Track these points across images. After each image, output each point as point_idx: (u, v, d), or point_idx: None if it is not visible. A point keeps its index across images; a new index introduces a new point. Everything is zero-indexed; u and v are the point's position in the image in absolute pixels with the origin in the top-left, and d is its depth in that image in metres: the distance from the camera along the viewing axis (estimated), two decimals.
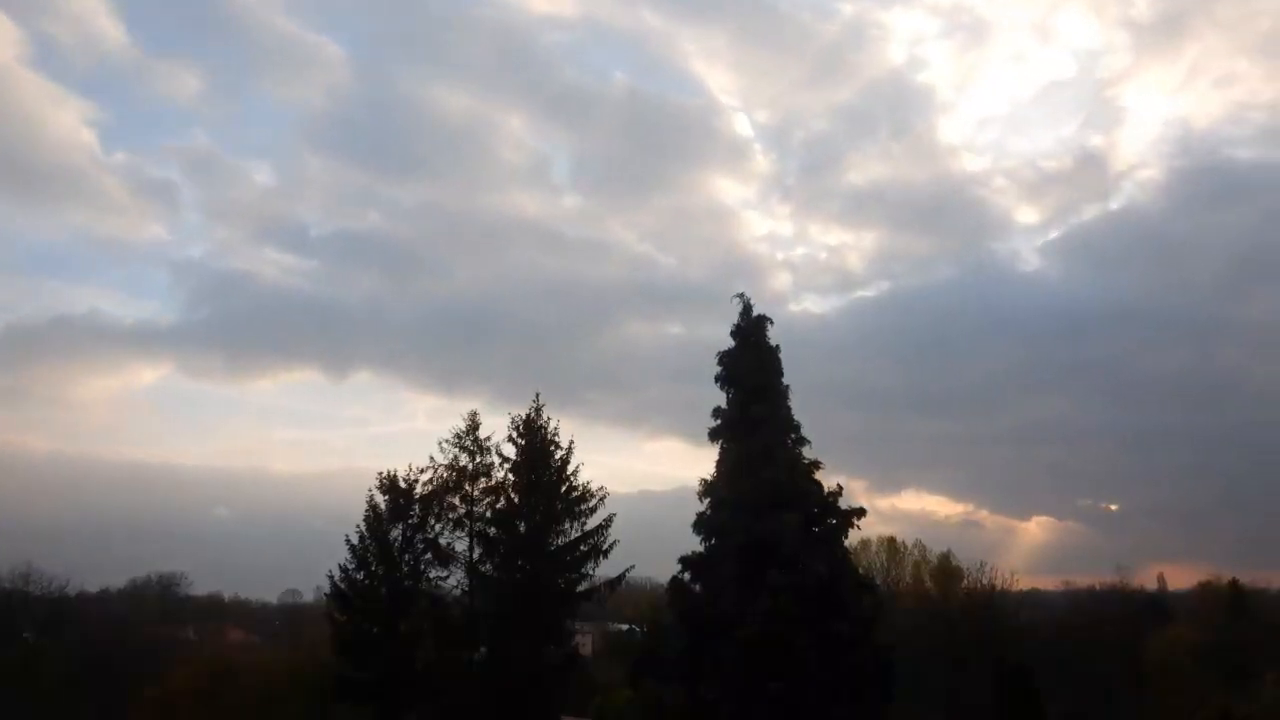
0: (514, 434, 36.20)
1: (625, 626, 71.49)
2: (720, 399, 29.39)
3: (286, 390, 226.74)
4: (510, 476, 35.93)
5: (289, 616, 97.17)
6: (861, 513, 27.86)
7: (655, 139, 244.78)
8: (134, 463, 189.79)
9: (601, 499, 35.49)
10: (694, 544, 28.49)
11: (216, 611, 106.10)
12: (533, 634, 34.08)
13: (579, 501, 35.34)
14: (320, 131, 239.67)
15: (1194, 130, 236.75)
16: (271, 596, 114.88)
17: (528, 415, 36.46)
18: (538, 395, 36.74)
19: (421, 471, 35.93)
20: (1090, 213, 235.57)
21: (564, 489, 35.50)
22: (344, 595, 35.35)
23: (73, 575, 71.75)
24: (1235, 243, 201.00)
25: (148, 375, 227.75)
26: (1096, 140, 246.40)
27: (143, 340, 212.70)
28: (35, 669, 53.73)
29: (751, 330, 29.47)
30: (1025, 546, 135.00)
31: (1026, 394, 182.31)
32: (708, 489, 28.51)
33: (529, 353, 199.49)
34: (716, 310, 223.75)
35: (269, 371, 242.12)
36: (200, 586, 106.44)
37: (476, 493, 35.83)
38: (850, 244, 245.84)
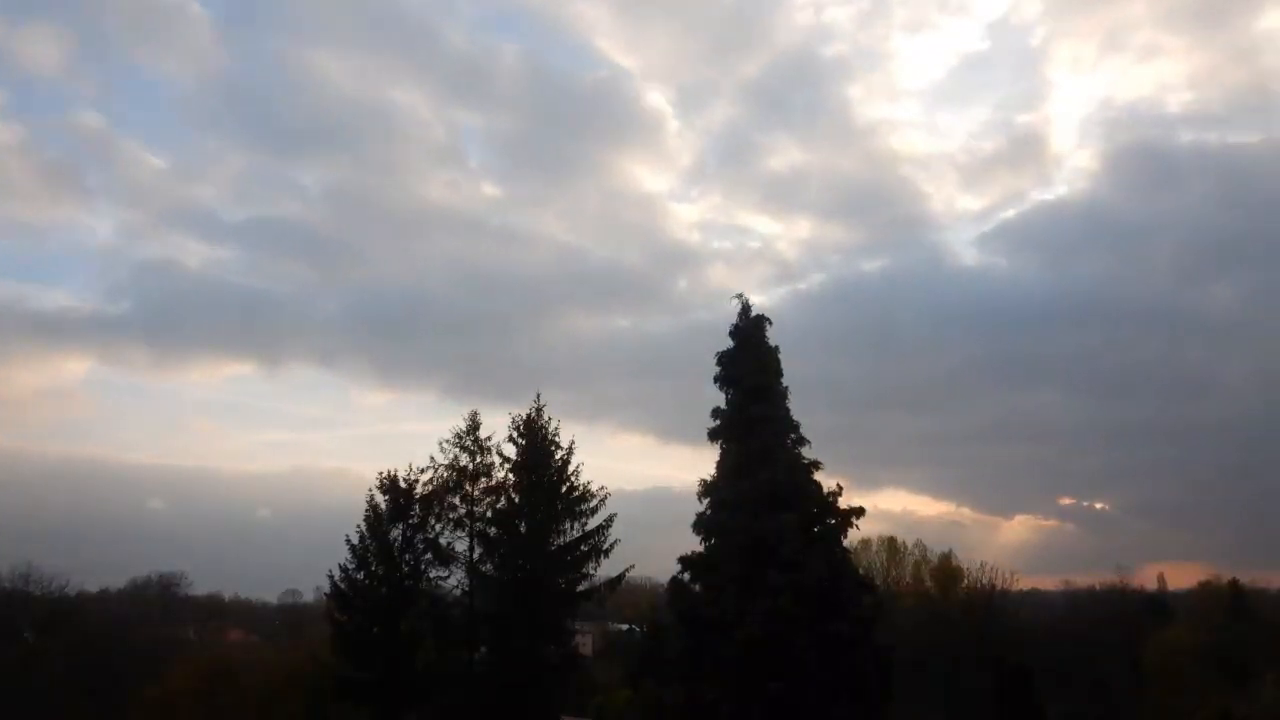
0: (514, 434, 36.23)
1: (625, 626, 71.55)
2: (719, 398, 29.35)
3: (224, 385, 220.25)
4: (511, 476, 35.95)
5: (289, 616, 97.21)
6: (860, 512, 27.84)
7: (564, 118, 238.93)
8: (85, 459, 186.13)
9: (602, 499, 35.56)
10: (693, 543, 28.51)
11: (216, 611, 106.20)
12: (533, 634, 34.09)
13: (579, 501, 35.36)
14: (203, 107, 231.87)
15: (1123, 109, 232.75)
16: (271, 596, 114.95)
17: (528, 415, 36.50)
18: (538, 395, 36.84)
19: (422, 471, 36.02)
20: (1030, 200, 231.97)
21: (564, 489, 35.51)
22: (344, 595, 35.36)
23: (72, 575, 71.77)
24: (1186, 231, 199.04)
25: (75, 368, 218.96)
26: (1024, 119, 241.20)
27: (66, 332, 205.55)
28: (35, 669, 53.71)
29: (750, 330, 29.44)
30: (1010, 546, 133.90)
31: (992, 389, 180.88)
32: (708, 489, 28.50)
33: (473, 347, 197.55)
34: (659, 302, 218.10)
35: (198, 364, 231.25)
36: (200, 586, 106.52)
37: (477, 493, 35.86)
38: (779, 234, 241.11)
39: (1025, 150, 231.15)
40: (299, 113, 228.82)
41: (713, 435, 28.91)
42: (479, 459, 36.08)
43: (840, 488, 28.27)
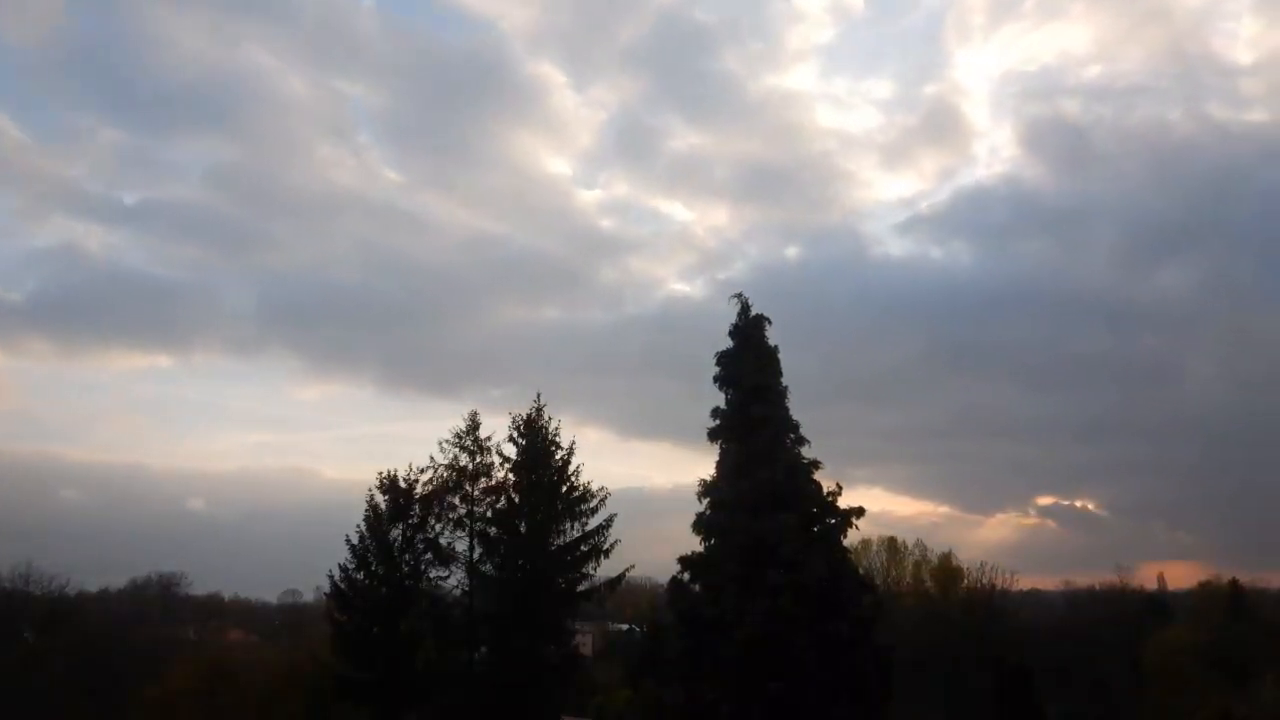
0: (514, 434, 36.24)
1: (625, 626, 71.61)
2: (719, 398, 29.31)
3: (143, 378, 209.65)
4: (511, 476, 35.95)
5: (289, 616, 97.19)
6: (860, 512, 27.82)
7: (448, 89, 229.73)
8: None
9: (602, 499, 35.55)
10: (693, 544, 28.51)
11: (216, 611, 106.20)
12: (533, 634, 34.09)
13: (579, 501, 35.36)
14: (53, 72, 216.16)
15: (1031, 80, 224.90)
16: (271, 596, 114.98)
17: (528, 415, 36.49)
18: (538, 395, 36.82)
19: (421, 471, 36.03)
20: (953, 183, 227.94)
21: (564, 489, 35.51)
22: (344, 595, 35.36)
23: (72, 575, 71.72)
24: (1121, 216, 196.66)
25: None
26: (930, 90, 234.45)
27: None
28: (35, 669, 53.68)
29: (750, 330, 29.41)
30: (993, 546, 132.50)
31: (947, 383, 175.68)
32: (707, 489, 28.50)
33: (403, 338, 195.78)
34: (586, 292, 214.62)
35: (109, 357, 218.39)
36: (200, 586, 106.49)
37: (477, 493, 35.88)
38: (695, 220, 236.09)
39: (940, 128, 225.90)
40: (158, 79, 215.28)
41: (713, 435, 28.90)
42: (479, 459, 36.11)
43: (840, 487, 28.29)
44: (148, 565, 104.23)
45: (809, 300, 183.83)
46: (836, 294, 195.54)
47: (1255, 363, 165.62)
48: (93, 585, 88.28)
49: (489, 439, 36.33)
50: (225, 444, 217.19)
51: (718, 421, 28.89)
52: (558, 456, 35.93)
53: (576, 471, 35.81)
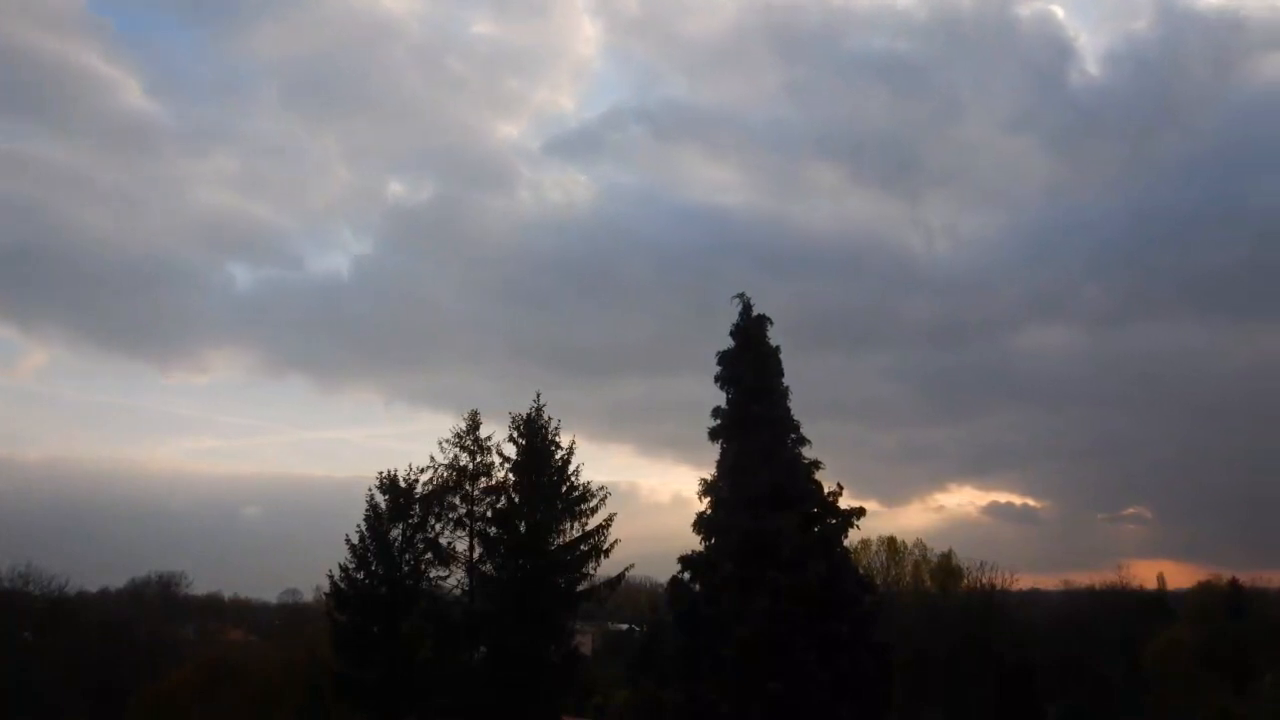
0: (514, 433, 36.21)
1: (625, 626, 71.63)
2: (718, 396, 29.37)
3: None
4: (511, 476, 35.93)
5: (289, 616, 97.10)
6: (861, 512, 27.90)
7: None
8: None
9: (602, 499, 35.53)
10: (694, 543, 28.52)
11: (216, 611, 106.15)
12: (533, 634, 34.07)
13: (579, 501, 35.31)
14: None
15: None
16: (271, 596, 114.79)
17: (528, 415, 36.43)
18: (538, 395, 36.75)
19: (422, 471, 36.01)
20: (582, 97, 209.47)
21: (564, 489, 35.48)
22: (344, 595, 35.34)
23: (72, 575, 71.69)
24: (803, 128, 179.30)
25: None
26: None
27: None
28: (35, 669, 53.68)
29: (751, 330, 29.43)
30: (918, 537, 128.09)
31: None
32: (708, 488, 28.53)
33: (76, 299, 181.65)
34: (269, 250, 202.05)
35: None
36: (200, 586, 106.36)
37: (477, 492, 35.83)
38: (307, 147, 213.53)
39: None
40: None
41: (713, 434, 28.95)
42: (479, 458, 36.08)
43: (840, 487, 28.34)
44: (147, 565, 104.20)
45: (486, 251, 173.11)
46: (538, 249, 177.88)
47: (1072, 327, 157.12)
48: (93, 585, 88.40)
49: (489, 439, 36.37)
50: None
51: (718, 421, 28.93)
52: (558, 456, 35.90)
53: (576, 471, 35.81)
